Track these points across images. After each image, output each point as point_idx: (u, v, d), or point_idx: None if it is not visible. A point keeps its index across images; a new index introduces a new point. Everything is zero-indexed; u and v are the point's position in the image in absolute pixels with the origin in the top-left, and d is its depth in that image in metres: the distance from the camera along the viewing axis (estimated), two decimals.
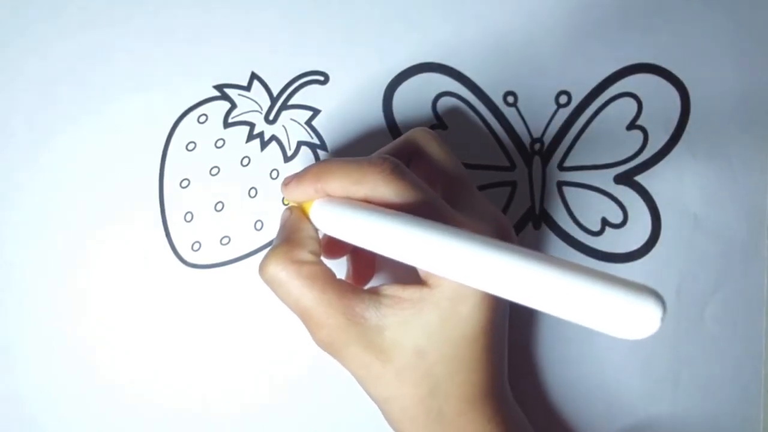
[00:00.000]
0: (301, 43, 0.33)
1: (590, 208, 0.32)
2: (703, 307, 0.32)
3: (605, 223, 0.32)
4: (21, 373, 0.33)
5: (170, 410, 0.32)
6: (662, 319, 0.16)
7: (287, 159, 0.32)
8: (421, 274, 0.24)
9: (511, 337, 0.28)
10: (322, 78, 0.33)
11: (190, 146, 0.33)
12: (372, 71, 0.32)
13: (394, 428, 0.26)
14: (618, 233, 0.32)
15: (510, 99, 0.32)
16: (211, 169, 0.33)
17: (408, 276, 0.25)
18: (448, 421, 0.25)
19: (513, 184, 0.32)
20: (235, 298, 0.32)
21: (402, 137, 0.28)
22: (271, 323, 0.32)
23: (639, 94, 0.32)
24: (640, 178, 0.32)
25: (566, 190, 0.32)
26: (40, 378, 0.33)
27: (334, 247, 0.29)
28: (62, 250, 0.33)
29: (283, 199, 0.31)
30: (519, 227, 0.32)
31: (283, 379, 0.32)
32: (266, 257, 0.25)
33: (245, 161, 0.32)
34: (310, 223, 0.26)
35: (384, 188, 0.23)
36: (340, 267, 0.30)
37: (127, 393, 0.32)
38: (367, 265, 0.31)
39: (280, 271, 0.24)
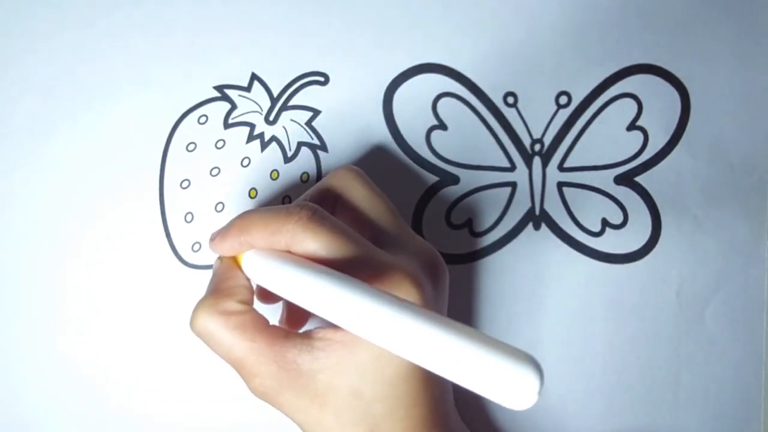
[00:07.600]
0: (302, 43, 0.32)
1: (590, 208, 0.32)
2: (704, 307, 0.32)
3: (605, 223, 0.32)
4: (16, 375, 0.33)
5: (169, 411, 0.32)
6: (539, 393, 0.16)
7: (287, 160, 0.32)
8: None
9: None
10: (322, 79, 0.32)
11: (191, 147, 0.33)
12: (372, 72, 0.32)
13: None
14: (618, 234, 0.32)
15: (510, 99, 0.32)
16: (212, 169, 0.33)
17: None
18: None
19: (513, 185, 0.32)
20: None
21: (323, 181, 0.28)
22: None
23: (639, 95, 0.32)
24: (640, 179, 0.32)
25: (566, 190, 0.32)
26: (36, 380, 0.33)
27: (268, 292, 0.29)
28: (62, 250, 0.33)
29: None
30: (519, 228, 0.32)
31: None
32: (194, 310, 0.24)
33: (245, 162, 0.32)
34: (241, 271, 0.26)
35: (302, 237, 0.23)
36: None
37: (125, 394, 0.32)
38: (301, 309, 0.30)
39: (209, 323, 0.24)
